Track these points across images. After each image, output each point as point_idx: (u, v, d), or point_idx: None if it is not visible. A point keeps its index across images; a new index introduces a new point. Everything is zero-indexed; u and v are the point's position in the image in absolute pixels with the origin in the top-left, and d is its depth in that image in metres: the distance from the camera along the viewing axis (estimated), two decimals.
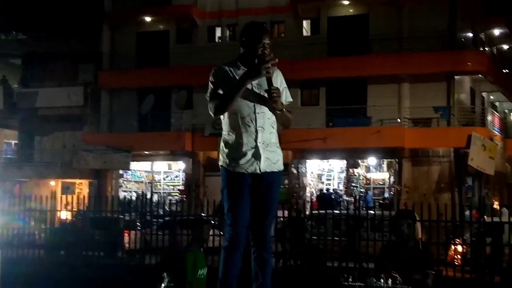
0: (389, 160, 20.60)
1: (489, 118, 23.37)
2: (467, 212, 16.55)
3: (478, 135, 18.68)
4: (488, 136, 19.73)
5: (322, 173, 21.69)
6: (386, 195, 20.72)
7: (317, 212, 14.10)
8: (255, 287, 3.67)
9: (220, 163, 3.64)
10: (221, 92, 3.52)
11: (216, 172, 3.83)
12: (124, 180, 23.23)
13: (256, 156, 3.56)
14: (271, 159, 3.61)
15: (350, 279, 4.85)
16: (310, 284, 5.45)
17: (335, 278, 5.73)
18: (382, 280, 4.60)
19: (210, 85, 3.55)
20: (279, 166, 3.67)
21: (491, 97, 24.06)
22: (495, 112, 24.71)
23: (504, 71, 23.93)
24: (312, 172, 21.45)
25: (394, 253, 5.45)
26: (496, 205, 20.22)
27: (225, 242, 3.62)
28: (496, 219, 12.24)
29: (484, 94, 23.15)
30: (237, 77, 3.51)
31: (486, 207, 18.52)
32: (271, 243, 3.73)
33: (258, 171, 3.56)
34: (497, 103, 25.16)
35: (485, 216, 12.20)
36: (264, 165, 3.58)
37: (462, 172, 19.41)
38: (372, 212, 15.07)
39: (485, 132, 19.97)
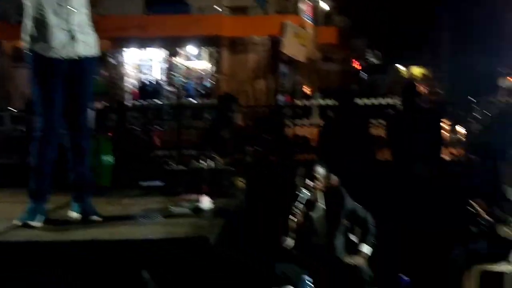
0: (209, 48, 20.75)
1: (302, 6, 24.33)
2: (282, 98, 17.56)
3: (291, 23, 19.34)
4: (300, 24, 20.60)
5: (142, 63, 21.27)
6: (207, 84, 21.07)
7: (138, 102, 13.98)
8: (73, 177, 3.55)
9: (28, 46, 3.30)
10: None
11: (25, 63, 3.50)
12: None
13: (72, 39, 3.30)
14: (88, 42, 3.39)
15: (173, 164, 4.93)
16: (134, 171, 5.46)
17: (159, 164, 5.80)
18: (203, 162, 4.74)
19: None
20: (95, 50, 3.46)
21: None
22: (307, 1, 25.76)
23: None
24: (131, 62, 20.91)
25: (216, 137, 5.67)
26: (306, 90, 21.65)
27: (37, 132, 3.40)
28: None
29: None
30: None
31: (298, 92, 19.77)
32: (89, 131, 3.60)
33: (74, 55, 3.32)
34: None
35: (296, 100, 13.10)
36: (81, 49, 3.35)
37: (276, 60, 20.27)
38: (193, 101, 15.33)
39: (298, 20, 20.82)
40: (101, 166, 5.29)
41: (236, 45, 20.31)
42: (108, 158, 5.36)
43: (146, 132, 11.11)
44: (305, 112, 12.91)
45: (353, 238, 4.44)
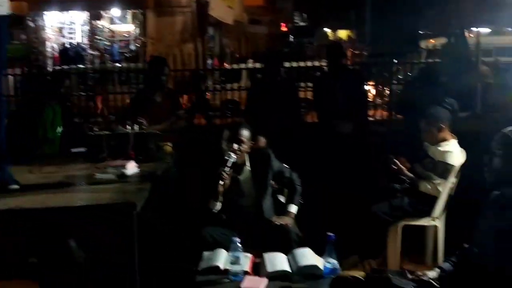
0: (134, 11, 20.15)
1: None
2: (209, 61, 17.42)
3: None
4: None
5: (63, 26, 20.40)
6: (132, 47, 20.53)
7: (59, 67, 13.49)
8: None
9: None
10: None
11: None
12: None
13: None
14: None
15: (98, 130, 4.80)
16: (63, 139, 5.31)
17: (84, 130, 5.63)
18: (128, 126, 4.64)
19: None
20: (5, 9, 3.28)
21: None
22: None
23: None
24: (52, 25, 20.00)
25: (143, 101, 5.57)
26: (235, 53, 21.54)
27: None
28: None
29: None
30: None
31: (226, 55, 19.64)
32: (4, 97, 3.44)
33: None
34: None
35: (225, 63, 13.01)
36: None
37: (204, 22, 19.98)
38: (118, 65, 14.93)
39: None
40: (55, 136, 5.21)
41: (162, 7, 19.78)
42: (60, 127, 5.29)
43: (90, 97, 10.84)
44: (235, 75, 12.85)
45: (280, 198, 4.50)
